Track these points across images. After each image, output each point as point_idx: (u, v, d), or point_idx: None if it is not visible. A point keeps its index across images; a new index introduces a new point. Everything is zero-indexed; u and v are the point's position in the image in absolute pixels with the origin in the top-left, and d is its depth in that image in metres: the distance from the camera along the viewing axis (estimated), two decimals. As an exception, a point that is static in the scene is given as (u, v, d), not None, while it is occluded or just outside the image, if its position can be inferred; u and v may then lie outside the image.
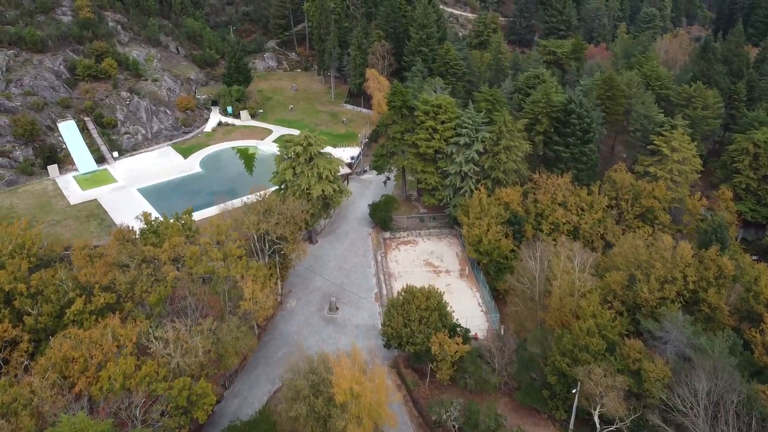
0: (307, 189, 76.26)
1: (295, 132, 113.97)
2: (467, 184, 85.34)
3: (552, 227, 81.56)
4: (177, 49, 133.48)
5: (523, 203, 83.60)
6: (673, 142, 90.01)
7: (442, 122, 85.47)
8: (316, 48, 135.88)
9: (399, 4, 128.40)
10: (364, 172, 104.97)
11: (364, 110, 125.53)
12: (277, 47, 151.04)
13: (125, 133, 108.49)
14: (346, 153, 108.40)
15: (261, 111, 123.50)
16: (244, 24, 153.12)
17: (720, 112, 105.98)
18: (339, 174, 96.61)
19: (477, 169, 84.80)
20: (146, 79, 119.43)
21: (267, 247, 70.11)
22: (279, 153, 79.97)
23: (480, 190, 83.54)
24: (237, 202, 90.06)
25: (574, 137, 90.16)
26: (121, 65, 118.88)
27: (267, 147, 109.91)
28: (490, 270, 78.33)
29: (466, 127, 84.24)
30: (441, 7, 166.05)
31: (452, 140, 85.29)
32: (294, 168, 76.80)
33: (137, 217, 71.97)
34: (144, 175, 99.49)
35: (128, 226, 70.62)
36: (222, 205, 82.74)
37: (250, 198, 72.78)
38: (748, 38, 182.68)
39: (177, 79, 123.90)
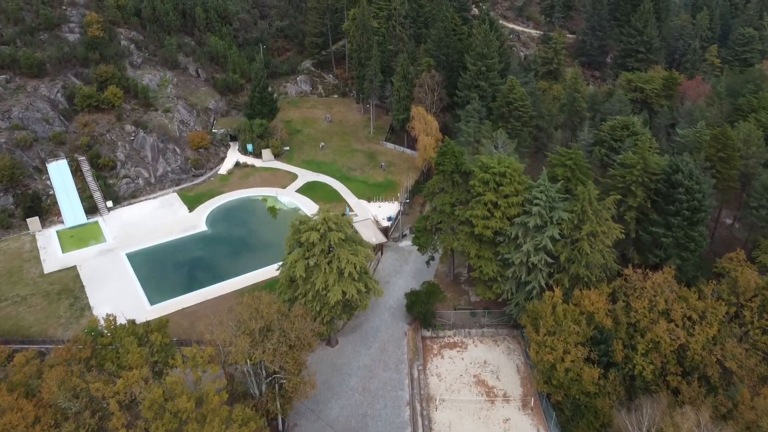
0: (323, 290, 57.38)
1: (324, 179, 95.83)
2: (536, 279, 64.93)
3: (650, 346, 60.54)
4: (197, 72, 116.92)
5: (612, 311, 62.72)
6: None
7: (506, 196, 65.32)
8: (356, 74, 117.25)
9: (453, 26, 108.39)
10: (403, 237, 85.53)
11: (408, 151, 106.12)
12: (312, 68, 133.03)
13: (124, 176, 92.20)
14: (382, 210, 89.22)
15: (287, 148, 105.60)
16: (277, 41, 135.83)
17: None
18: (372, 244, 77.69)
19: (550, 260, 64.29)
20: (156, 110, 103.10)
21: (263, 373, 51.83)
22: (290, 231, 61.21)
23: (553, 291, 63.18)
24: (241, 281, 72.71)
25: (679, 217, 68.54)
26: (129, 93, 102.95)
27: (289, 198, 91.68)
28: (565, 407, 58.02)
29: (537, 204, 63.86)
30: (501, 22, 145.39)
31: (518, 220, 65.08)
32: (308, 260, 58.02)
33: (98, 326, 54.56)
34: (138, 234, 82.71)
35: (86, 338, 53.17)
36: (210, 290, 65.21)
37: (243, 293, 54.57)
38: None
39: (193, 109, 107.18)
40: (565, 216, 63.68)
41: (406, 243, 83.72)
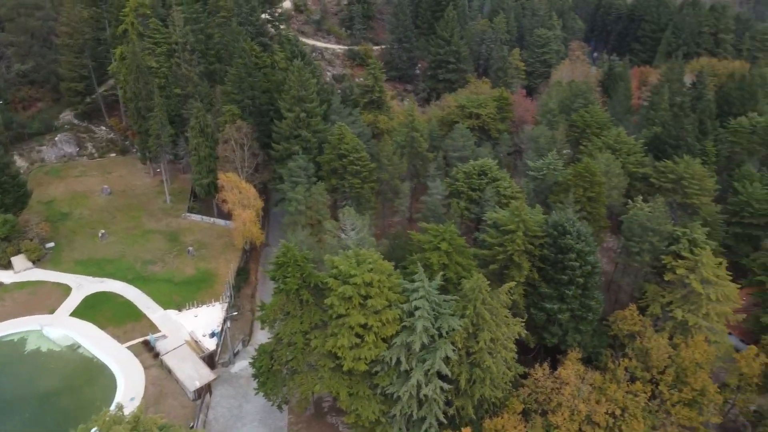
0: None
1: (111, 286, 70.41)
2: (431, 413, 48.58)
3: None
4: None
5: (534, 439, 48.78)
6: (703, 270, 60.29)
7: (377, 311, 47.80)
8: (136, 128, 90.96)
9: (255, 59, 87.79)
10: (236, 356, 64.20)
11: (220, 222, 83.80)
12: (76, 121, 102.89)
13: None
14: (200, 321, 66.48)
15: (51, 245, 76.94)
16: (21, 90, 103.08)
17: (714, 194, 79.62)
18: (196, 386, 55.61)
19: (447, 386, 48.33)
20: None
21: None
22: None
23: (458, 429, 47.48)
24: None
25: (573, 286, 57.06)
26: None
27: (62, 330, 64.34)
28: None
29: (420, 317, 47.30)
30: (301, 39, 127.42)
31: (398, 341, 48.04)
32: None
33: None
34: None
35: None
36: None
37: None
38: (633, 54, 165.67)
39: None
40: (456, 324, 48.08)
41: (242, 364, 62.48)
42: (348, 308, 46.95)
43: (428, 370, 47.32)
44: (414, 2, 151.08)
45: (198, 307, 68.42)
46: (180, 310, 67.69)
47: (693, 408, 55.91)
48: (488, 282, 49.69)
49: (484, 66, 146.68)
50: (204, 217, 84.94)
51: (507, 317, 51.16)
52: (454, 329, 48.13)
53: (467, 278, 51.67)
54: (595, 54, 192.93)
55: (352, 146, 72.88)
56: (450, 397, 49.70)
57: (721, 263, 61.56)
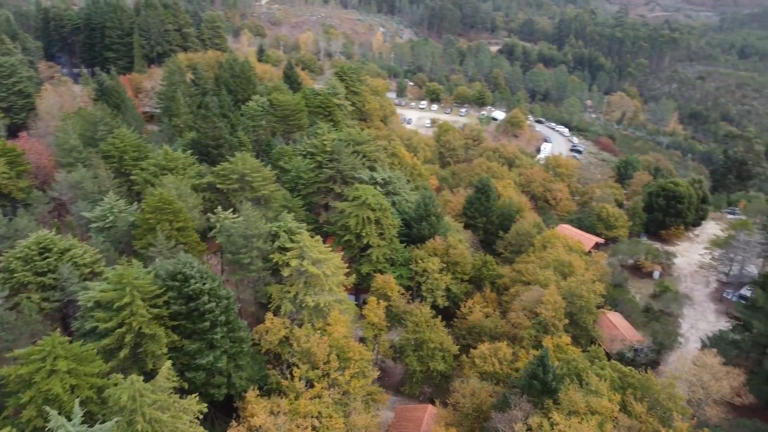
0: None
1: None
2: None
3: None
4: None
5: None
6: (310, 253, 63.58)
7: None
8: None
9: None
10: None
11: None
12: None
13: None
14: None
15: None
16: None
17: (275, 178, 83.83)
18: None
19: None
20: None
21: None
22: None
23: None
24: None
25: (218, 327, 51.96)
26: None
27: None
28: None
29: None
30: None
31: None
32: None
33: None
34: None
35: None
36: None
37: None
38: (111, 63, 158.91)
39: None
40: (131, 450, 37.40)
41: None
42: None
43: None
44: None
45: None
46: None
47: (359, 377, 59.44)
48: (141, 378, 40.03)
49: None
50: None
51: (177, 402, 42.75)
52: (130, 453, 37.37)
53: (109, 386, 40.79)
54: (65, 70, 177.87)
55: None
56: None
57: (318, 240, 65.67)
